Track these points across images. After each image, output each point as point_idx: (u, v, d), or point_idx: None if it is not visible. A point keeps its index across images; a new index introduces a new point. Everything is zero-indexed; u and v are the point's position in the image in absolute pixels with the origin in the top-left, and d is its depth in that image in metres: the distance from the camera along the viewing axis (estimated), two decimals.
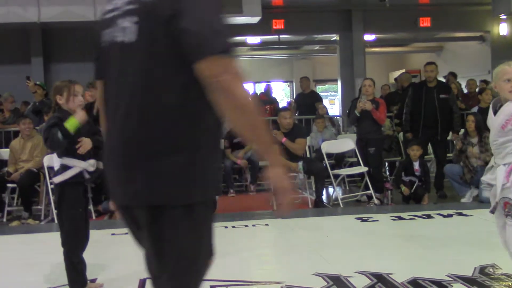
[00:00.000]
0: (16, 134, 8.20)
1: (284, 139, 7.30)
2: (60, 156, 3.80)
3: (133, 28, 1.78)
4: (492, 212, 3.34)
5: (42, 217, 7.29)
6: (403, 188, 7.27)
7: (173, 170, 1.76)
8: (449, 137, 8.15)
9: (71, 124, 3.65)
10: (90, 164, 3.83)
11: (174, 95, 1.76)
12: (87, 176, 3.83)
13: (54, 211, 4.07)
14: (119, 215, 2.00)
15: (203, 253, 1.90)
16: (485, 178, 3.47)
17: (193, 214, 1.81)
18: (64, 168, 3.74)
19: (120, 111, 1.82)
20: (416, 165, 7.37)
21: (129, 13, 1.80)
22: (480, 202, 7.01)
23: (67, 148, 3.73)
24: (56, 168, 3.83)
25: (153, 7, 1.75)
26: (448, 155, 8.90)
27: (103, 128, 2.05)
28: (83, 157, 3.79)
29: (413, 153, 7.37)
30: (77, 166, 3.77)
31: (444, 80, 9.98)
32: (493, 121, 3.34)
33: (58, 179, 3.75)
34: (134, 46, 1.78)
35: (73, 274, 3.75)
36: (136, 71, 1.79)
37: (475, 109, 8.46)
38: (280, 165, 1.78)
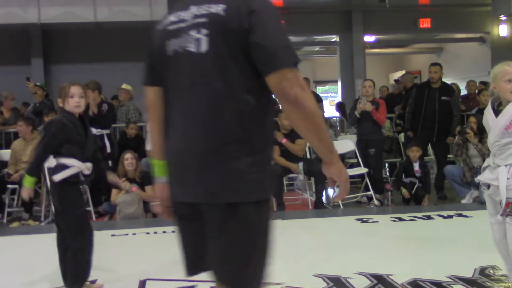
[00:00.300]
0: (16, 135, 8.20)
1: (284, 140, 7.30)
2: (55, 156, 3.78)
3: (205, 40, 1.93)
4: (502, 215, 3.27)
5: (42, 218, 7.29)
6: (403, 191, 7.27)
7: (246, 170, 1.93)
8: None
9: (25, 180, 3.74)
10: (86, 167, 3.80)
11: (245, 101, 1.93)
12: (82, 178, 3.80)
13: (54, 212, 4.01)
14: (172, 214, 2.16)
15: (268, 248, 2.04)
16: (483, 178, 3.42)
17: (261, 211, 2.00)
18: (62, 167, 3.71)
19: (193, 116, 1.97)
20: (416, 166, 7.38)
21: (200, 26, 1.95)
22: (481, 203, 7.00)
23: (68, 148, 3.72)
24: (52, 167, 3.82)
25: (224, 21, 1.90)
26: (449, 156, 8.91)
27: (152, 131, 2.21)
28: (82, 159, 3.78)
29: (412, 154, 7.37)
30: (75, 166, 3.74)
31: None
32: (496, 122, 3.32)
33: (58, 177, 3.70)
34: (206, 56, 1.93)
35: (77, 273, 3.75)
36: (209, 79, 1.94)
37: (474, 111, 8.46)
38: (340, 162, 2.02)
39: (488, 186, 3.37)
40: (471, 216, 6.38)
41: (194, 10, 2.00)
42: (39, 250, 5.53)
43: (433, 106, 7.69)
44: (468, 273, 4.07)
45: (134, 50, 12.34)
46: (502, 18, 12.44)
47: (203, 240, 2.02)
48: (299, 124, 1.92)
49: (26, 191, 3.77)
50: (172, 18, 2.07)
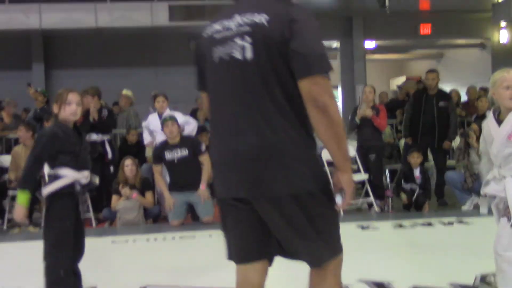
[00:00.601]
0: (17, 141, 8.20)
1: None
2: (52, 167, 3.62)
3: (249, 47, 2.12)
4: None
5: (43, 224, 7.27)
6: (403, 197, 7.26)
7: (297, 165, 2.14)
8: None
9: (18, 197, 3.54)
10: (83, 176, 3.63)
11: (291, 104, 2.13)
12: (78, 187, 3.63)
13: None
14: (227, 212, 2.32)
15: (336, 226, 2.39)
16: (489, 190, 3.38)
17: (321, 200, 2.21)
18: (54, 177, 3.57)
19: (244, 118, 2.15)
20: (417, 172, 7.36)
21: (245, 34, 2.13)
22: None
23: (61, 158, 3.56)
24: (46, 178, 3.71)
25: (267, 30, 2.09)
26: (449, 162, 8.88)
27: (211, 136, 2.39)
28: (79, 168, 3.61)
29: (413, 160, 7.36)
30: (69, 176, 3.57)
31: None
32: (498, 131, 3.30)
33: (46, 190, 3.56)
34: (251, 62, 2.12)
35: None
36: (254, 84, 2.13)
37: (473, 118, 8.45)
38: (350, 172, 2.21)
39: (495, 197, 3.35)
40: (472, 223, 6.37)
41: (238, 19, 2.17)
42: (39, 257, 5.51)
43: (431, 113, 7.69)
44: (469, 280, 4.05)
45: (134, 55, 12.44)
46: (502, 24, 12.47)
47: (261, 231, 2.25)
48: (322, 130, 2.09)
49: (19, 211, 3.52)
50: (217, 26, 2.23)
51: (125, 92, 9.55)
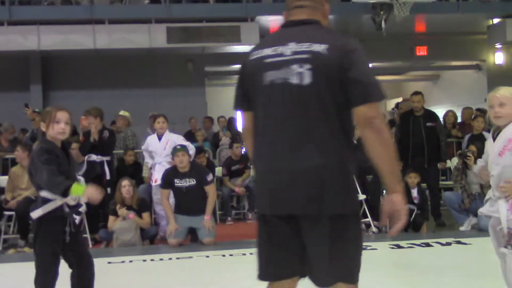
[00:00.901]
0: (13, 161, 8.19)
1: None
2: (39, 188, 3.57)
3: (308, 73, 2.27)
4: (506, 247, 3.27)
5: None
6: None
7: (347, 186, 2.33)
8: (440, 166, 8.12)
9: (76, 191, 3.37)
10: (71, 198, 3.51)
11: (342, 127, 2.31)
12: (66, 209, 3.56)
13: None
14: (268, 228, 2.39)
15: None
16: (484, 210, 3.45)
17: (358, 222, 2.47)
18: (44, 201, 3.51)
19: (302, 139, 2.29)
20: (415, 193, 7.36)
21: (302, 61, 2.29)
22: (479, 230, 6.98)
23: None
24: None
25: (326, 59, 2.27)
26: (447, 183, 8.89)
27: (251, 154, 2.52)
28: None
29: (410, 180, 7.36)
30: (57, 199, 3.51)
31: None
32: (492, 148, 3.35)
33: (35, 214, 3.50)
34: (308, 88, 2.28)
35: None
36: (309, 107, 2.28)
37: (467, 137, 8.42)
38: (402, 194, 2.29)
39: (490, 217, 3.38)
40: (470, 244, 6.35)
41: (293, 46, 2.32)
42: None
43: (420, 134, 7.73)
44: None
45: (132, 77, 12.49)
46: (498, 46, 12.57)
47: (300, 249, 2.35)
48: (377, 150, 2.27)
49: (90, 193, 3.38)
50: (269, 51, 2.37)
51: (122, 113, 9.57)
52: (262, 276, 2.46)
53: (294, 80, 2.30)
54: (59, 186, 3.38)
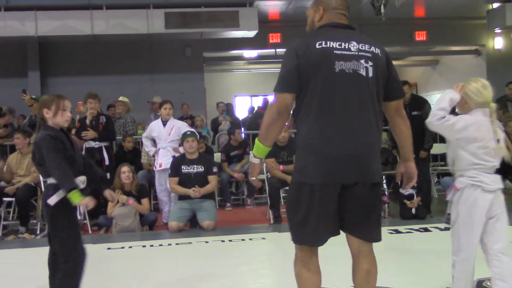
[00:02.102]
0: (12, 147, 8.18)
1: (281, 167, 7.40)
2: (46, 176, 3.63)
3: (371, 69, 2.82)
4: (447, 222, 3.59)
5: (38, 232, 7.26)
6: (407, 203, 7.13)
7: (380, 161, 2.93)
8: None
9: (73, 198, 3.49)
10: (80, 181, 3.65)
11: (381, 113, 2.91)
12: None
13: (47, 229, 3.73)
14: (325, 194, 2.81)
15: None
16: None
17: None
18: (56, 187, 3.55)
19: (364, 120, 2.80)
20: None
21: (367, 58, 2.82)
22: None
23: None
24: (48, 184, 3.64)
25: (380, 60, 2.87)
26: (444, 168, 8.87)
27: (279, 127, 2.85)
28: (76, 173, 3.62)
29: None
30: None
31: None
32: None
33: (52, 200, 3.54)
34: (372, 80, 2.82)
35: None
36: (373, 96, 2.83)
37: None
38: (414, 162, 3.12)
39: None
40: None
41: (356, 44, 2.81)
42: (34, 264, 5.50)
43: None
44: None
45: (130, 63, 12.45)
46: (497, 31, 12.51)
47: (341, 213, 2.87)
48: (405, 132, 3.05)
49: (85, 203, 3.54)
50: (335, 44, 2.79)
51: (121, 98, 9.54)
52: (310, 242, 2.92)
53: (362, 72, 2.79)
54: (63, 183, 3.51)
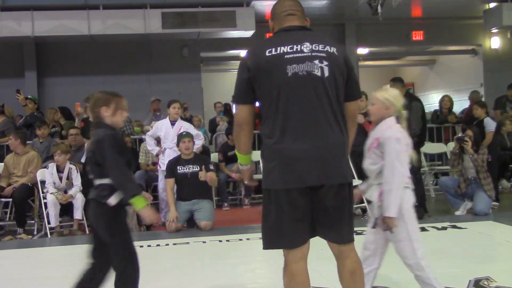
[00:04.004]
0: (8, 148, 8.17)
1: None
2: (101, 176, 3.36)
3: (326, 68, 2.77)
4: (374, 227, 3.57)
5: (35, 232, 7.24)
6: None
7: (347, 161, 2.90)
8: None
9: (137, 203, 3.33)
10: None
11: (343, 114, 2.86)
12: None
13: (106, 237, 3.46)
14: (296, 199, 2.78)
15: None
16: (367, 195, 3.62)
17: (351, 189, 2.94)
18: (112, 188, 3.30)
19: (325, 121, 2.77)
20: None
21: (321, 58, 2.78)
22: (474, 214, 7.02)
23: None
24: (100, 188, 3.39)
25: (337, 59, 2.83)
26: (442, 167, 8.89)
27: (247, 140, 2.93)
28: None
29: None
30: None
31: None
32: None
33: (113, 200, 3.31)
34: (328, 79, 2.78)
35: None
36: (329, 95, 2.78)
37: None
38: None
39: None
40: (465, 228, 6.38)
41: (309, 45, 2.80)
42: (32, 265, 5.49)
43: None
44: (462, 285, 4.06)
45: (127, 63, 12.43)
46: (494, 30, 12.53)
47: (313, 215, 2.82)
48: (352, 137, 3.01)
49: (145, 213, 3.43)
50: (286, 49, 2.78)
51: None
52: (287, 245, 2.85)
53: (318, 73, 2.75)
54: (125, 189, 3.32)
